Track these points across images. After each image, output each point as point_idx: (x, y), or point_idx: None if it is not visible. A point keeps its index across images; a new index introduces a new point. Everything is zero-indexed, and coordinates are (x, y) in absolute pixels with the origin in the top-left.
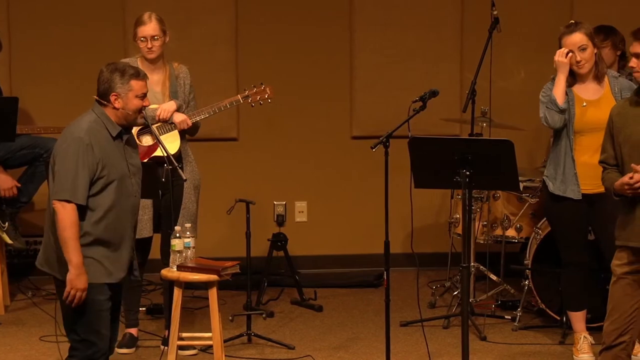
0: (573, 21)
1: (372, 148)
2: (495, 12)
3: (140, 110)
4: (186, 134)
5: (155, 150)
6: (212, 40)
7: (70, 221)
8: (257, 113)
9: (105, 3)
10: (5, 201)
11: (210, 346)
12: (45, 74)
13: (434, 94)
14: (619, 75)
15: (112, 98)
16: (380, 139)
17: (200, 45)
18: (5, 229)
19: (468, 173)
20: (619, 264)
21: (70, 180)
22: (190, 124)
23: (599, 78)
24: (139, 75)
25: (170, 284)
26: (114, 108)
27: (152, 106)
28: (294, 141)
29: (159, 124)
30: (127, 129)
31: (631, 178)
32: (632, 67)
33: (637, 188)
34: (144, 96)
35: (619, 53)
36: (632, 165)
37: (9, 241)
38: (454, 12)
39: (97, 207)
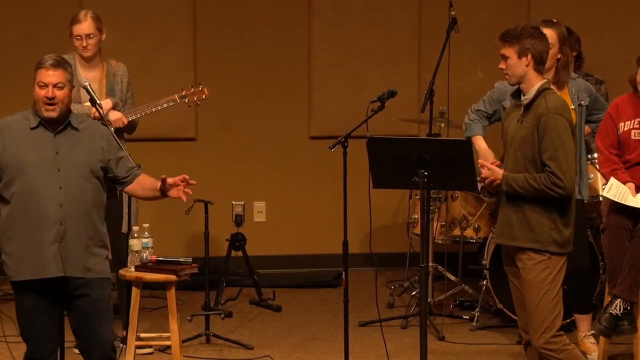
0: (550, 20)
1: (330, 148)
2: (453, 13)
3: (44, 100)
4: (124, 133)
5: None
6: (170, 40)
7: None
8: (215, 113)
9: (62, 2)
10: None
11: (169, 346)
12: None
13: (392, 94)
14: (577, 77)
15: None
16: (339, 139)
17: (158, 45)
18: None
19: (426, 173)
20: (503, 259)
21: None
22: (125, 122)
23: (559, 84)
24: (43, 63)
25: (128, 283)
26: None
27: (86, 104)
28: (252, 141)
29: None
30: (58, 121)
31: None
32: (502, 69)
33: (488, 184)
34: (44, 85)
35: (574, 54)
36: (479, 160)
37: None
38: (412, 13)
39: (7, 198)
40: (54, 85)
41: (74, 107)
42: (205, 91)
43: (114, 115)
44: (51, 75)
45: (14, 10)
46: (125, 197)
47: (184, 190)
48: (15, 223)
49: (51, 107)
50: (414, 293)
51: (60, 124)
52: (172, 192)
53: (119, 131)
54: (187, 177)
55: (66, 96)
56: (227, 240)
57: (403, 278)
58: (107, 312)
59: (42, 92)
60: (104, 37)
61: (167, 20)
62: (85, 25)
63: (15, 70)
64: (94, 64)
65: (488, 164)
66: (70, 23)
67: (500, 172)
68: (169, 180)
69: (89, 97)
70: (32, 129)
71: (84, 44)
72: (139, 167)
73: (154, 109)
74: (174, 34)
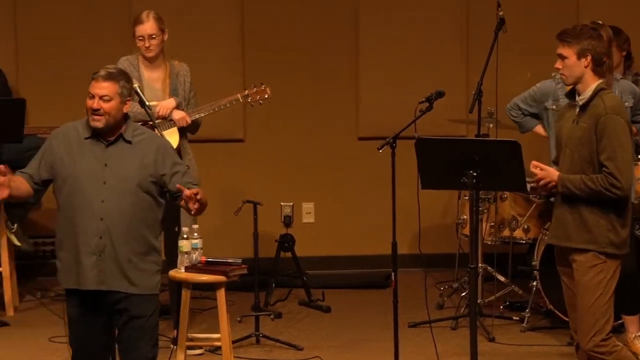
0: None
1: (379, 149)
2: (501, 13)
3: (91, 110)
4: (187, 132)
5: None
6: (218, 40)
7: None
8: (263, 114)
9: (111, 3)
10: (13, 203)
11: (219, 347)
12: (52, 74)
13: (440, 94)
14: (621, 78)
15: None
16: (387, 140)
17: (206, 45)
18: (13, 230)
19: (475, 174)
20: (556, 260)
21: None
22: (189, 121)
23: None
24: (95, 74)
25: (178, 284)
26: None
27: (151, 103)
28: (300, 142)
29: (158, 120)
30: (107, 132)
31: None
32: (558, 69)
33: (543, 186)
34: (92, 97)
35: (624, 54)
36: (533, 162)
37: (17, 243)
38: (460, 13)
39: (59, 203)
40: (100, 97)
41: (132, 107)
42: (268, 91)
43: (178, 115)
44: (99, 87)
45: (64, 12)
46: None
47: (193, 205)
48: (62, 230)
49: (97, 117)
50: (463, 294)
51: (111, 135)
52: (189, 205)
53: (183, 130)
54: (196, 191)
55: (114, 109)
56: (276, 241)
57: (452, 279)
58: (147, 329)
59: (89, 103)
60: (166, 37)
61: (215, 21)
62: (147, 26)
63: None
64: (157, 64)
65: (542, 164)
66: (132, 24)
67: (555, 173)
68: (186, 193)
69: (148, 98)
70: (86, 138)
71: (147, 45)
72: (188, 168)
73: (216, 109)
74: (222, 35)
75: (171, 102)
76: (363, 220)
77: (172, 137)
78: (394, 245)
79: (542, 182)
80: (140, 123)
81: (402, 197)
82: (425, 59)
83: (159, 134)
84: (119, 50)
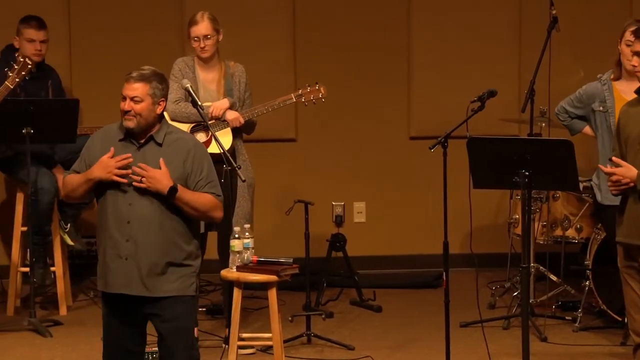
0: None
1: (430, 148)
2: (554, 12)
3: (123, 111)
4: (242, 132)
5: (207, 146)
6: (270, 41)
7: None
8: (315, 114)
9: (163, 4)
10: (67, 203)
11: (271, 346)
12: (105, 74)
13: (492, 94)
14: None
15: None
16: (439, 139)
17: (258, 46)
18: (67, 230)
19: (527, 173)
20: (619, 259)
21: None
22: (242, 121)
23: None
24: (127, 75)
25: (230, 284)
26: None
27: (205, 104)
28: (352, 142)
29: (211, 121)
30: (140, 133)
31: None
32: (634, 66)
33: (618, 184)
34: (124, 98)
35: None
36: (613, 158)
37: (70, 242)
38: (511, 12)
39: (97, 207)
40: (131, 99)
41: (187, 108)
42: (322, 90)
43: (231, 115)
44: (130, 89)
45: (117, 13)
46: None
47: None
48: (98, 232)
49: (129, 117)
50: (515, 294)
51: (142, 137)
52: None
53: (237, 131)
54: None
55: (145, 110)
56: (327, 240)
57: (504, 279)
58: (181, 332)
59: (121, 104)
60: (221, 37)
61: (267, 21)
62: (202, 27)
63: (118, 70)
64: (212, 65)
65: (622, 161)
66: (187, 25)
67: (635, 170)
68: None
69: (201, 98)
70: (120, 140)
71: (202, 45)
72: (240, 167)
73: (270, 109)
74: (273, 35)
75: (224, 103)
76: (414, 219)
77: (226, 137)
78: (446, 245)
79: (623, 181)
80: (195, 124)
81: (454, 197)
82: (477, 58)
83: (205, 135)
84: (171, 51)
